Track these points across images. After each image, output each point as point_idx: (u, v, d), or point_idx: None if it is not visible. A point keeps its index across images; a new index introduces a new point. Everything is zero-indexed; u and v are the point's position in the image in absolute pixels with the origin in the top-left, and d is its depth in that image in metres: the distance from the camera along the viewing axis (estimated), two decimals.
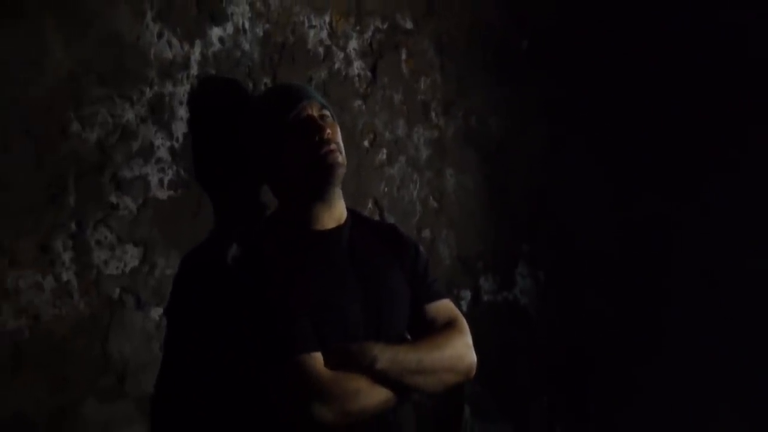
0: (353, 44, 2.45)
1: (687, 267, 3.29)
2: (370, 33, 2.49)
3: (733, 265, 3.24)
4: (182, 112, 2.02)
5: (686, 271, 3.28)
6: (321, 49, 2.36)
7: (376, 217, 2.46)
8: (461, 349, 1.98)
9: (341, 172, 1.97)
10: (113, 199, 1.89)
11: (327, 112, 2.03)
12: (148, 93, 1.96)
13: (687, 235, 3.29)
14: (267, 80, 2.21)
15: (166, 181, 1.98)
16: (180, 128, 2.01)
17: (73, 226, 1.81)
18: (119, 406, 1.87)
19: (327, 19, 2.37)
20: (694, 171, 3.30)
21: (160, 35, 1.99)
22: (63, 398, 1.78)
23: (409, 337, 2.01)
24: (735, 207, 3.25)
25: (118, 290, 1.88)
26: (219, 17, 2.11)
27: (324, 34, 2.37)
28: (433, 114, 2.68)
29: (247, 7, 2.17)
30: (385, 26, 2.54)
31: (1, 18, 1.73)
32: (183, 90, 2.03)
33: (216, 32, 2.10)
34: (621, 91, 3.24)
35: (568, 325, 3.05)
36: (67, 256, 1.80)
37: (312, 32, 2.33)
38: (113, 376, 1.86)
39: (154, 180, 1.96)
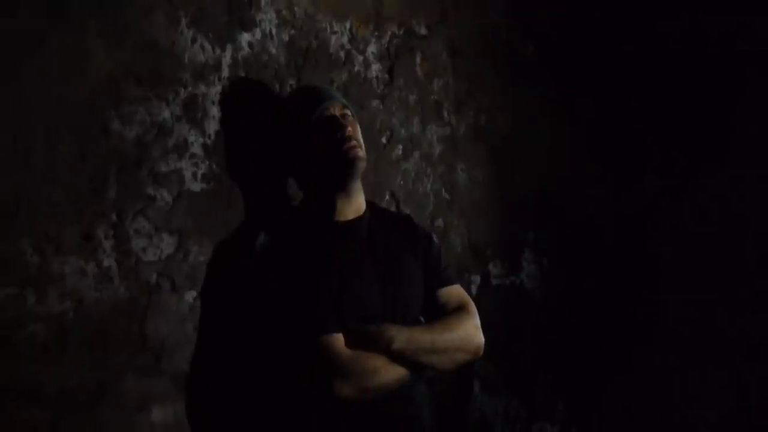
0: (372, 48, 2.41)
1: (677, 254, 3.25)
2: (387, 38, 2.45)
3: (719, 251, 3.20)
4: (214, 111, 2.00)
5: (677, 257, 3.25)
6: (342, 53, 2.32)
7: (393, 209, 2.43)
8: (471, 331, 1.97)
9: (362, 165, 1.96)
10: (151, 191, 1.87)
11: (348, 112, 2.01)
12: (183, 94, 1.94)
13: (678, 225, 3.26)
14: (292, 82, 2.18)
15: (199, 175, 1.96)
16: (212, 126, 1.99)
17: (113, 216, 1.80)
18: (156, 381, 1.86)
19: (348, 25, 2.34)
20: (685, 167, 3.27)
21: (193, 40, 1.97)
22: (104, 374, 1.77)
23: (422, 319, 1.98)
24: (722, 199, 3.21)
25: (154, 275, 1.87)
26: (248, 24, 2.08)
27: (345, 40, 2.33)
28: (445, 113, 2.64)
29: (274, 15, 2.14)
30: (402, 32, 2.50)
31: (47, 24, 1.72)
32: (215, 91, 2.00)
33: (245, 37, 2.08)
34: (619, 92, 3.20)
35: (569, 307, 3.02)
36: (108, 244, 1.79)
37: (334, 38, 2.30)
38: (150, 355, 1.85)
39: (188, 174, 1.94)
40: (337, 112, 1.97)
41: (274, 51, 2.14)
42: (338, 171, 1.94)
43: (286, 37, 2.17)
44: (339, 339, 1.78)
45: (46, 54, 1.71)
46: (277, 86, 2.14)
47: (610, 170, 3.19)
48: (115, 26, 1.83)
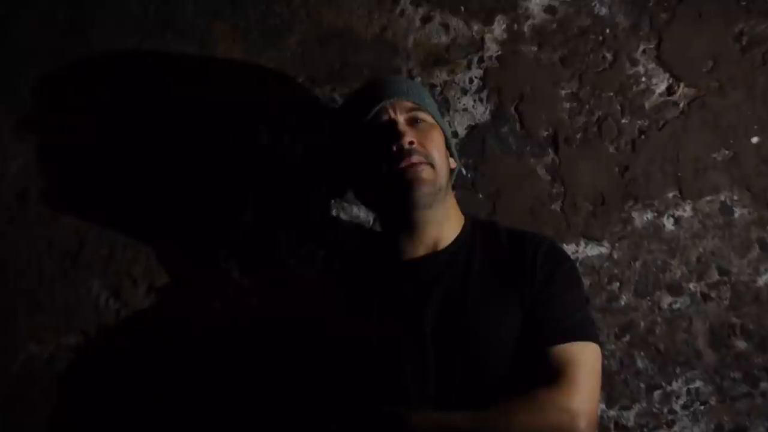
0: None
1: None
2: None
3: None
4: None
5: None
6: None
7: None
8: (553, 417, 1.17)
9: (426, 191, 1.28)
10: None
11: (422, 114, 1.35)
12: None
13: None
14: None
15: None
16: None
17: None
18: None
19: None
20: None
21: None
22: None
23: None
24: None
25: None
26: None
27: None
28: None
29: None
30: None
31: None
32: None
33: None
34: None
35: None
36: None
37: None
38: None
39: None
40: (399, 115, 1.33)
41: None
42: (394, 198, 1.31)
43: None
44: None
45: None
46: None
47: None
48: None
